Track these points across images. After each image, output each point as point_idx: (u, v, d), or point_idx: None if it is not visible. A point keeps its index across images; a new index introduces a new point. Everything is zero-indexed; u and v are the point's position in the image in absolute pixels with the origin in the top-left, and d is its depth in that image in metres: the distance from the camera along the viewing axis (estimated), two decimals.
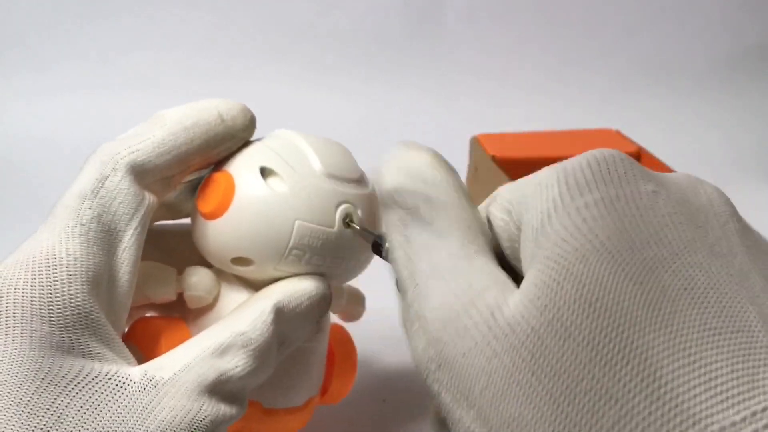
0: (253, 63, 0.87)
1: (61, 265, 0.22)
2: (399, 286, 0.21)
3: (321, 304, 0.28)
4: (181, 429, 0.22)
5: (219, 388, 0.24)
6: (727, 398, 0.14)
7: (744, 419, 0.14)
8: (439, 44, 0.91)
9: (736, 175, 0.73)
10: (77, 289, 0.22)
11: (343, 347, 0.34)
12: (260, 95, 0.87)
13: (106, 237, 0.24)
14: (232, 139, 0.29)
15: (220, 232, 0.28)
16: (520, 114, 0.84)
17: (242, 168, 0.28)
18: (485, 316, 0.18)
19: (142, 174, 0.26)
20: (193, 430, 0.22)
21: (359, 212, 0.29)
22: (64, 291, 0.22)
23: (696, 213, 0.19)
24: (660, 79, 0.91)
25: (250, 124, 0.29)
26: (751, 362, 0.15)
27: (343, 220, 0.28)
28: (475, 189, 0.61)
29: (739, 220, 0.20)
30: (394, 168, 0.22)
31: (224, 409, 0.24)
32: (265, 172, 0.28)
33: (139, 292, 0.28)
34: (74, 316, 0.21)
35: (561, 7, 0.92)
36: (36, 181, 0.71)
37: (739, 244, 0.18)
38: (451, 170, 0.22)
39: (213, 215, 0.28)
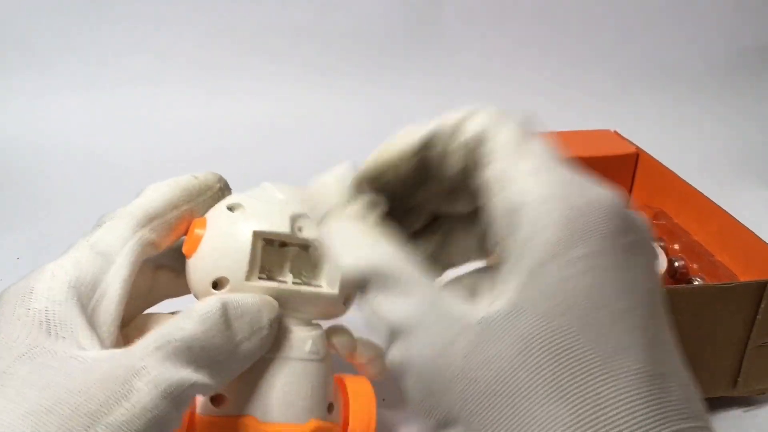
0: (253, 64, 0.87)
1: (47, 270, 0.28)
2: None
3: (268, 307, 0.30)
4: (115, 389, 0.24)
5: (166, 352, 0.25)
6: None
7: None
8: (438, 46, 0.91)
9: (734, 175, 0.74)
10: (58, 288, 0.27)
11: (360, 398, 0.35)
12: (260, 96, 0.88)
13: (98, 258, 0.29)
14: (208, 190, 0.34)
15: (197, 263, 0.31)
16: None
17: (214, 209, 0.33)
18: (460, 357, 0.21)
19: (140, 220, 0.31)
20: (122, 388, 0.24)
21: (315, 227, 0.30)
22: (45, 288, 0.27)
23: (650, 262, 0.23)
24: (658, 80, 0.91)
25: (221, 178, 0.35)
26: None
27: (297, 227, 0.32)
28: None
29: None
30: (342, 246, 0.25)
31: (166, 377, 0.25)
32: (232, 208, 0.32)
33: None
34: (50, 308, 0.26)
35: (559, 10, 0.92)
36: (36, 181, 0.71)
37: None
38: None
39: (190, 251, 0.31)
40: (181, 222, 0.33)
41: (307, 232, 0.32)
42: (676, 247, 0.55)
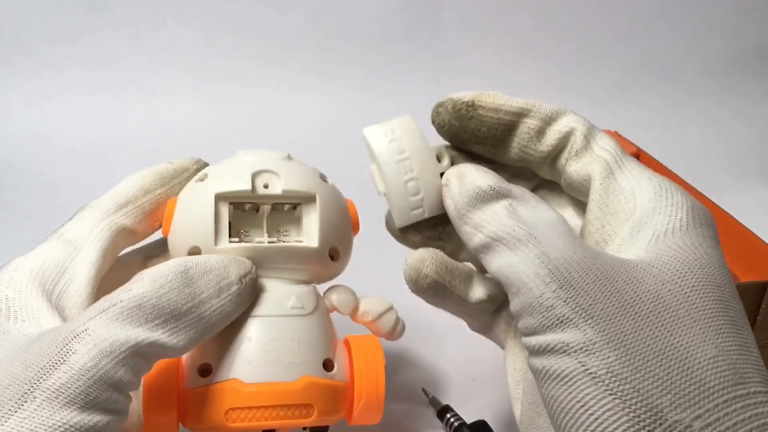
0: (252, 65, 0.87)
1: (13, 263, 0.29)
2: (498, 248, 0.26)
3: (237, 263, 0.29)
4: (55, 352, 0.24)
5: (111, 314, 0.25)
6: None
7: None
8: (438, 48, 0.91)
9: (734, 175, 0.74)
10: (19, 277, 0.28)
11: (364, 354, 0.33)
12: (259, 96, 0.88)
13: (66, 246, 0.30)
14: (184, 172, 0.34)
15: (173, 239, 0.32)
16: None
17: (186, 186, 0.33)
18: (611, 265, 0.23)
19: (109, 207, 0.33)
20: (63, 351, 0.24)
21: (280, 180, 0.32)
22: (7, 278, 0.28)
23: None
24: (658, 80, 0.91)
25: (198, 161, 0.35)
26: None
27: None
28: None
29: None
30: (476, 170, 0.29)
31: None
32: (200, 179, 0.32)
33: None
34: (10, 296, 0.27)
35: (559, 10, 0.92)
36: (36, 181, 0.72)
37: None
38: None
39: (166, 230, 0.32)
40: (157, 206, 0.33)
41: (274, 188, 0.32)
42: None
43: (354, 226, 0.35)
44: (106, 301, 0.25)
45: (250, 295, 0.30)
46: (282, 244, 0.31)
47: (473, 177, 0.28)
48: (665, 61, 0.92)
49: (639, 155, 0.61)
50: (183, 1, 0.86)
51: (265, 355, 0.29)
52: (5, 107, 0.82)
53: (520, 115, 0.31)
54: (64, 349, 0.23)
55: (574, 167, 0.29)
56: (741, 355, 0.22)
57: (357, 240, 0.35)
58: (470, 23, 0.91)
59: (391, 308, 0.35)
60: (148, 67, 0.85)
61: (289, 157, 0.34)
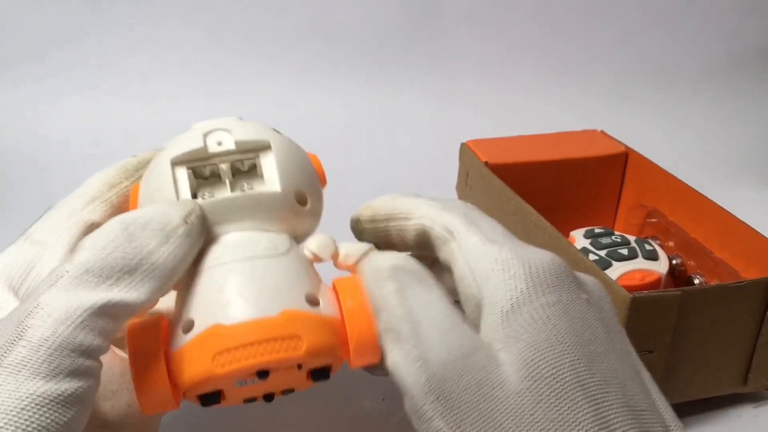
0: (253, 64, 0.88)
1: None
2: (391, 336, 0.26)
3: (178, 206, 0.29)
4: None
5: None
6: None
7: None
8: (438, 47, 0.91)
9: (734, 176, 0.74)
10: None
11: (351, 291, 0.30)
12: (259, 95, 0.89)
13: (33, 246, 0.31)
14: (147, 164, 0.34)
15: None
16: (517, 116, 0.85)
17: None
18: (481, 366, 0.24)
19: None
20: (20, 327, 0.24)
21: (231, 135, 0.32)
22: None
23: (606, 317, 0.27)
24: (658, 81, 0.92)
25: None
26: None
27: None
28: (467, 194, 0.60)
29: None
30: (385, 254, 0.29)
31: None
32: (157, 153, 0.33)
33: None
34: None
35: (559, 9, 0.92)
36: (35, 180, 0.73)
37: (625, 341, 0.27)
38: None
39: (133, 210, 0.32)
40: (125, 198, 0.34)
41: (227, 144, 0.32)
42: (671, 244, 0.55)
43: (321, 178, 0.35)
44: (52, 275, 0.25)
45: (200, 233, 0.29)
46: (244, 193, 0.31)
47: (378, 257, 0.29)
48: (665, 62, 0.93)
49: (628, 154, 0.61)
50: (184, 1, 0.87)
51: (242, 295, 0.28)
52: (5, 106, 0.82)
53: (388, 220, 0.32)
54: (20, 327, 0.24)
55: (442, 258, 0.30)
56: None
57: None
58: (470, 22, 0.92)
59: (372, 248, 0.33)
60: (149, 66, 0.86)
61: (241, 119, 0.34)
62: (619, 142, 0.62)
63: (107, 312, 0.25)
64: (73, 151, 0.77)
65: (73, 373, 0.23)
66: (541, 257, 0.26)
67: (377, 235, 0.32)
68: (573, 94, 0.89)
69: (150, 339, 0.28)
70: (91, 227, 0.31)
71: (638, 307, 0.37)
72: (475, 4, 0.91)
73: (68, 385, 0.23)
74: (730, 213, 0.49)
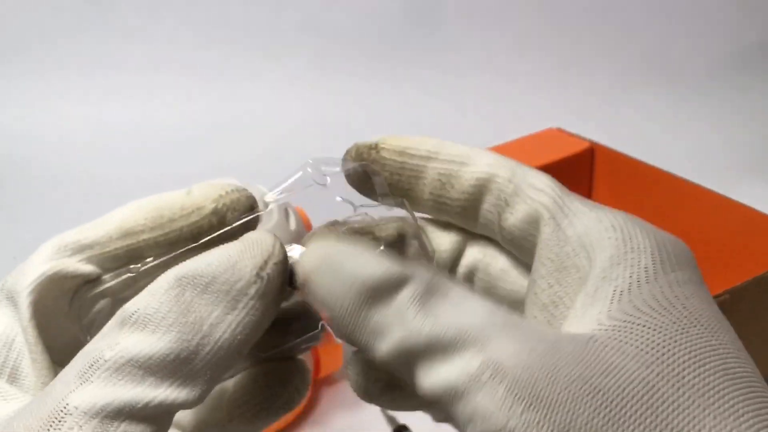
0: (252, 62, 0.88)
1: None
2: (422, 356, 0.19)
3: (251, 249, 0.21)
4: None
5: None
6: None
7: None
8: (439, 43, 0.92)
9: (736, 174, 0.75)
10: None
11: None
12: (259, 94, 0.88)
13: (7, 305, 0.23)
14: (193, 213, 0.24)
15: None
16: (519, 114, 0.84)
17: None
18: (578, 355, 0.18)
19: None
20: None
21: None
22: None
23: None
24: (660, 78, 0.92)
25: (224, 193, 0.24)
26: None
27: None
28: None
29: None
30: (351, 254, 0.21)
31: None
32: None
33: None
34: None
35: (561, 5, 0.92)
36: (34, 180, 0.73)
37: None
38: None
39: None
40: (134, 257, 0.24)
41: None
42: None
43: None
44: (82, 359, 0.20)
45: (279, 286, 0.21)
46: None
47: (350, 266, 0.20)
48: (667, 60, 0.93)
49: (593, 148, 0.60)
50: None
51: None
52: (2, 106, 0.83)
53: (428, 158, 0.25)
54: None
55: (511, 221, 0.23)
56: None
57: None
58: (471, 19, 0.92)
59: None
60: (147, 65, 0.87)
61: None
62: (582, 137, 0.62)
63: (154, 414, 0.19)
64: (67, 149, 0.78)
65: None
66: (663, 232, 0.21)
67: (400, 175, 0.25)
68: (574, 91, 0.89)
69: None
70: (73, 281, 0.24)
71: None
72: (475, 4, 0.92)
73: None
74: (710, 190, 0.50)
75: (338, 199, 0.25)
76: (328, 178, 0.24)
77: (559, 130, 0.64)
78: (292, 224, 0.39)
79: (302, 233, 0.39)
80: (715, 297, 0.37)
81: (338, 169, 0.25)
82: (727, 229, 0.49)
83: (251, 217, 0.24)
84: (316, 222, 0.26)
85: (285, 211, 0.38)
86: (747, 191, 0.51)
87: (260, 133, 0.81)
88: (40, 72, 0.85)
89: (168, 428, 0.20)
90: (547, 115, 0.72)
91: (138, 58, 0.87)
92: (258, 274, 0.20)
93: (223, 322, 0.20)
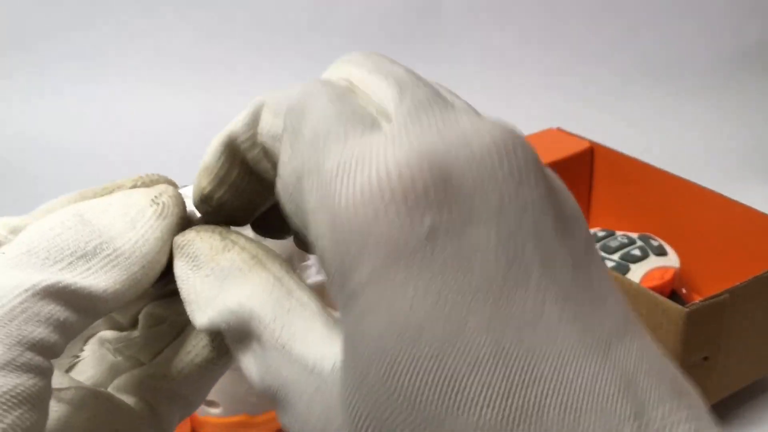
0: (252, 61, 0.88)
1: None
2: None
3: (141, 191, 0.23)
4: None
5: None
6: None
7: None
8: (438, 40, 0.92)
9: (736, 174, 0.74)
10: None
11: None
12: (257, 92, 0.86)
13: None
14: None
15: None
16: (519, 114, 0.83)
17: None
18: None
19: None
20: None
21: None
22: None
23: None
24: (660, 78, 0.92)
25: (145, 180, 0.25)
26: None
27: None
28: None
29: None
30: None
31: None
32: None
33: None
34: None
35: (560, 6, 0.92)
36: (32, 177, 0.73)
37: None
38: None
39: None
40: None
41: None
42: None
43: None
44: None
45: (177, 214, 0.23)
46: None
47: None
48: (669, 59, 0.93)
49: (593, 149, 0.61)
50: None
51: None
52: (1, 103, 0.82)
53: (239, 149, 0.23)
54: None
55: None
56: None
57: None
58: (471, 19, 0.92)
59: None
60: (144, 63, 0.86)
61: None
62: (582, 137, 0.62)
63: (57, 296, 0.19)
64: (65, 146, 0.78)
65: (13, 368, 0.18)
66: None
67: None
68: (575, 90, 0.89)
69: None
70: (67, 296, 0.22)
71: (693, 319, 0.36)
72: (475, 4, 0.92)
73: (14, 380, 0.17)
74: (710, 189, 0.50)
75: None
76: None
77: (559, 130, 0.64)
78: None
79: None
80: (715, 297, 0.38)
81: None
82: (727, 229, 0.50)
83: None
84: None
85: None
86: (747, 191, 0.51)
87: None
88: (40, 72, 0.85)
89: (86, 324, 0.20)
90: (547, 115, 0.72)
91: (138, 58, 0.87)
92: (154, 200, 0.22)
93: (122, 236, 0.21)
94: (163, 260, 0.22)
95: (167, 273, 0.22)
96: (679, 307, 0.36)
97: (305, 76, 0.84)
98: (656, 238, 0.51)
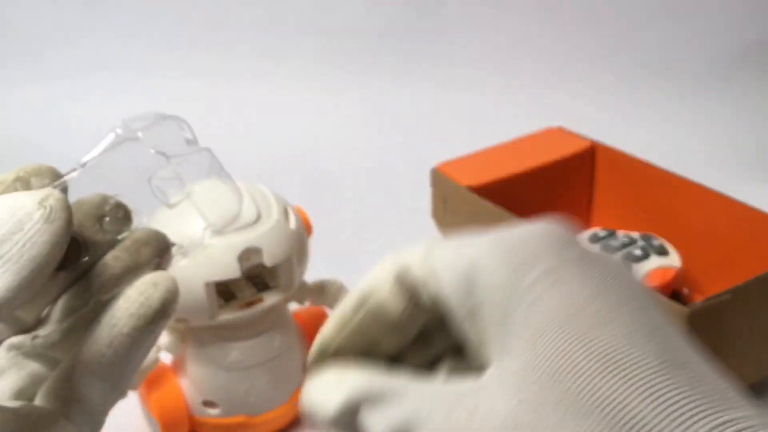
0: (252, 60, 0.88)
1: None
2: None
3: (29, 194, 0.24)
4: None
5: None
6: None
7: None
8: (439, 39, 0.92)
9: (737, 173, 0.74)
10: None
11: (312, 323, 0.42)
12: (258, 92, 0.88)
13: None
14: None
15: None
16: (520, 113, 0.84)
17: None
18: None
19: None
20: None
21: (263, 256, 0.36)
22: None
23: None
24: (660, 78, 0.92)
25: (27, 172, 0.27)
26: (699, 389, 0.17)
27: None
28: (448, 221, 0.58)
29: None
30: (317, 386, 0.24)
31: None
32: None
33: None
34: None
35: (560, 8, 0.92)
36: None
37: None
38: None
39: None
40: None
41: (259, 258, 0.37)
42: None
43: (307, 230, 0.41)
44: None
45: (63, 216, 0.23)
46: (256, 308, 0.37)
47: (316, 401, 0.23)
48: (668, 58, 0.93)
49: (594, 147, 0.60)
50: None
51: (263, 393, 0.38)
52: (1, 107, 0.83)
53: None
54: None
55: None
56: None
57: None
58: (472, 19, 0.92)
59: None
60: (147, 60, 0.87)
61: (261, 217, 0.38)
62: (583, 137, 0.62)
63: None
64: (64, 144, 0.75)
65: None
66: (518, 233, 0.22)
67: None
68: (576, 86, 0.89)
69: (176, 406, 0.39)
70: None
71: (695, 319, 0.36)
72: (475, 4, 0.92)
73: None
74: (711, 189, 0.50)
75: (152, 151, 0.26)
76: (140, 133, 0.26)
77: (560, 130, 0.64)
78: (292, 224, 0.39)
79: (302, 233, 0.40)
80: (717, 296, 0.38)
81: (150, 122, 0.26)
82: (729, 229, 0.49)
83: (59, 182, 0.26)
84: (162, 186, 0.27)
85: (285, 211, 0.39)
86: (748, 190, 0.51)
87: (261, 133, 0.81)
88: (40, 72, 0.85)
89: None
90: (548, 115, 0.72)
91: (138, 59, 0.87)
92: (40, 204, 0.23)
93: (9, 239, 0.22)
94: (53, 263, 0.22)
95: (65, 265, 0.24)
96: (681, 307, 0.36)
97: (305, 75, 0.85)
98: (658, 237, 0.50)
